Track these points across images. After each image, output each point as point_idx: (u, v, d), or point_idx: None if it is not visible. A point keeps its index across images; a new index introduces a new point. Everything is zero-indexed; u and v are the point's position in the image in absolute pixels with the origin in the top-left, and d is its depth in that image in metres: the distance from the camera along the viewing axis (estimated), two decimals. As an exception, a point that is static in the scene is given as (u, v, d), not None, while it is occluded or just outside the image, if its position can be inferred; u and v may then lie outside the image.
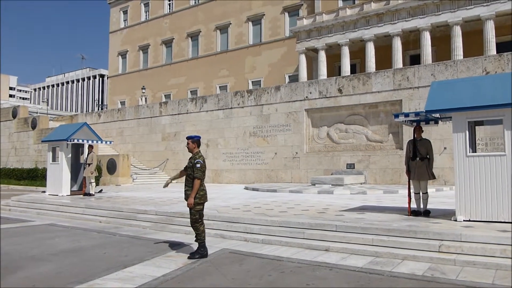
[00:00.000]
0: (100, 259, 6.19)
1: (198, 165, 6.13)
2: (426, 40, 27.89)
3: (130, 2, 51.56)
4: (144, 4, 50.21)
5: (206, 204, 10.48)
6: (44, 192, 15.33)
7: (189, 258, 6.11)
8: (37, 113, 54.69)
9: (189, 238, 7.80)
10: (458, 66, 16.13)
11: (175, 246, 7.09)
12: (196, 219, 6.21)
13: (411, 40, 30.13)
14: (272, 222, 7.83)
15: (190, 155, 6.40)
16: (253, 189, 16.46)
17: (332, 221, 7.38)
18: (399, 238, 6.35)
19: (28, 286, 4.88)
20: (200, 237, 6.24)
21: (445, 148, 15.91)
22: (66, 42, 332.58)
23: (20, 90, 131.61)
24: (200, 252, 6.19)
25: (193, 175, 6.14)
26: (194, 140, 6.36)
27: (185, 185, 6.31)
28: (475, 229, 6.31)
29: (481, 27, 26.62)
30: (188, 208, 6.22)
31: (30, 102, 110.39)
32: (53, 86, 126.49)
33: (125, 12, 52.54)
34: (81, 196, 14.11)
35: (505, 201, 6.65)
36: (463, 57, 25.11)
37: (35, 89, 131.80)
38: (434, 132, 15.82)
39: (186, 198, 6.20)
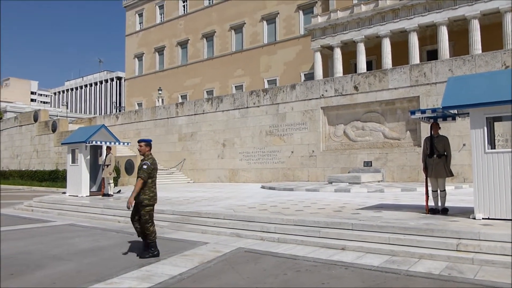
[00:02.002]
0: (118, 258, 6.30)
1: (145, 167, 6.30)
2: (443, 35, 27.42)
3: (145, 5, 52.14)
4: (159, 6, 50.71)
5: (222, 203, 10.53)
6: (65, 193, 15.65)
7: (140, 257, 6.21)
8: (57, 116, 55.87)
9: (206, 237, 7.87)
10: (476, 60, 15.82)
11: (191, 245, 7.16)
12: (147, 220, 6.33)
13: (428, 35, 29.66)
14: (288, 221, 7.83)
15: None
16: (270, 188, 16.48)
17: (348, 220, 7.34)
18: (416, 237, 6.27)
19: (49, 284, 5.01)
20: (150, 237, 6.35)
21: (464, 144, 15.64)
22: (83, 46, 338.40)
23: (41, 95, 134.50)
24: (151, 252, 6.29)
25: (138, 175, 6.31)
26: (147, 144, 6.58)
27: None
28: (494, 227, 6.19)
29: (500, 20, 26.02)
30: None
31: (51, 106, 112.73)
32: (72, 89, 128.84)
33: (140, 15, 53.16)
34: (100, 196, 14.35)
35: (525, 198, 6.49)
36: (482, 52, 24.60)
37: (55, 93, 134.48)
38: (453, 128, 15.56)
39: (137, 201, 6.35)
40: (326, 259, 5.93)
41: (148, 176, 6.30)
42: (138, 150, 6.61)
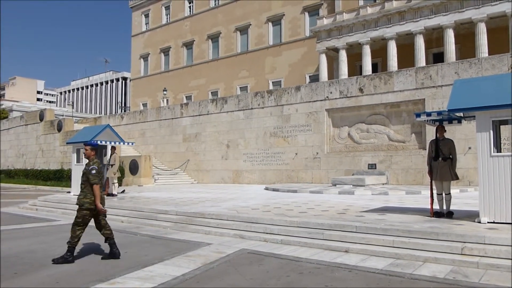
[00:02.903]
0: (121, 258, 6.29)
1: (94, 171, 6.15)
2: (450, 37, 27.31)
3: (152, 5, 52.33)
4: (165, 7, 50.89)
5: (226, 204, 10.50)
6: (69, 192, 15.71)
7: (53, 262, 5.93)
8: (62, 115, 56.11)
9: (209, 238, 7.87)
10: (482, 63, 15.73)
11: (194, 246, 7.15)
12: (78, 223, 6.13)
13: (434, 38, 29.56)
14: (291, 222, 7.81)
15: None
16: (273, 190, 16.45)
17: (352, 222, 7.31)
18: (421, 240, 6.23)
19: (52, 283, 5.02)
20: (72, 241, 6.07)
21: (469, 148, 15.54)
22: (90, 46, 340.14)
23: (47, 94, 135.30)
24: (66, 257, 5.99)
25: (90, 181, 6.13)
26: (93, 148, 6.47)
27: (81, 190, 6.26)
28: (499, 231, 6.14)
29: (507, 23, 25.88)
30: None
31: (56, 105, 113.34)
32: (78, 89, 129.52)
33: (146, 16, 53.36)
34: (104, 196, 14.36)
35: (531, 202, 6.44)
36: (489, 55, 24.47)
37: (61, 93, 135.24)
38: (458, 131, 15.47)
39: (78, 203, 6.20)
40: (330, 262, 5.90)
41: (100, 179, 6.19)
42: (84, 153, 6.48)
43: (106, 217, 6.50)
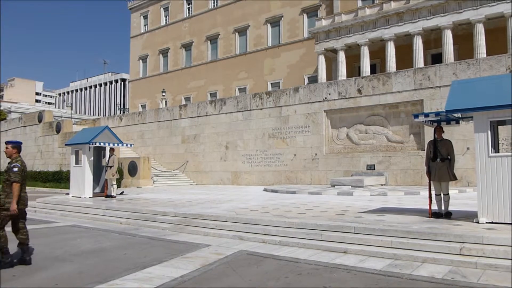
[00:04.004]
0: (120, 260, 6.30)
1: (15, 169, 5.84)
2: (448, 38, 27.34)
3: (150, 7, 52.34)
4: (164, 8, 50.90)
5: (224, 205, 10.49)
6: (68, 194, 15.70)
7: None
8: (61, 117, 56.06)
9: (207, 239, 7.87)
10: (480, 64, 15.77)
11: (193, 247, 7.15)
12: None
13: (432, 39, 29.59)
14: (290, 224, 7.81)
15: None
16: (272, 191, 16.46)
17: (351, 223, 7.32)
18: (419, 241, 6.25)
19: (51, 285, 5.02)
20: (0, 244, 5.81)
21: (468, 148, 15.57)
22: (88, 47, 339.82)
23: (46, 95, 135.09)
24: (3, 260, 5.79)
25: (11, 179, 5.80)
26: (14, 146, 6.13)
27: (2, 190, 5.91)
28: (497, 231, 6.15)
29: (505, 24, 25.94)
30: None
31: (55, 107, 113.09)
32: (76, 90, 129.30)
33: (145, 17, 53.36)
34: (103, 198, 14.38)
35: (529, 203, 6.45)
36: (487, 55, 24.52)
37: (59, 94, 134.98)
38: (457, 132, 15.50)
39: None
40: (328, 262, 5.91)
41: (22, 178, 5.88)
42: (5, 152, 6.16)
43: (25, 220, 6.17)
